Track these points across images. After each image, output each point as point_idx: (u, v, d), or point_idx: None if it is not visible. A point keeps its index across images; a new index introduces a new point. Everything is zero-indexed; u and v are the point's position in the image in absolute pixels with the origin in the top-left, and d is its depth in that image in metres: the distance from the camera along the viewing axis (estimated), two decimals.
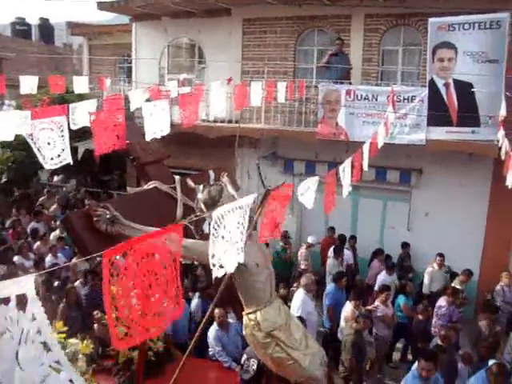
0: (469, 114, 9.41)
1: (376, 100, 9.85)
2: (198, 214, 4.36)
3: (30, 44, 29.96)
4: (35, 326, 2.00)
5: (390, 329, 8.23)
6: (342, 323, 7.86)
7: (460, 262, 9.87)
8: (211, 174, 5.15)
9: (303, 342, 4.33)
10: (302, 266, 10.49)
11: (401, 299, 8.69)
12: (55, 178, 17.14)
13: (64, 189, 16.44)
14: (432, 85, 9.72)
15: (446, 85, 9.62)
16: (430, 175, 10.99)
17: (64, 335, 5.17)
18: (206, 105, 8.29)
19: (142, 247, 2.25)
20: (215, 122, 11.67)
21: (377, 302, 8.17)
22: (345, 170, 5.87)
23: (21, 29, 32.05)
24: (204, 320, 4.33)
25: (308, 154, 11.96)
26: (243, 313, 4.35)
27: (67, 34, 20.16)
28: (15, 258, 9.61)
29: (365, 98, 9.78)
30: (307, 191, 4.76)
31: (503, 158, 7.58)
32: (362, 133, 10.00)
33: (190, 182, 4.58)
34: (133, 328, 2.34)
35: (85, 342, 5.39)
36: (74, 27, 18.67)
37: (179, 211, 4.45)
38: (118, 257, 2.14)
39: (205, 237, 4.28)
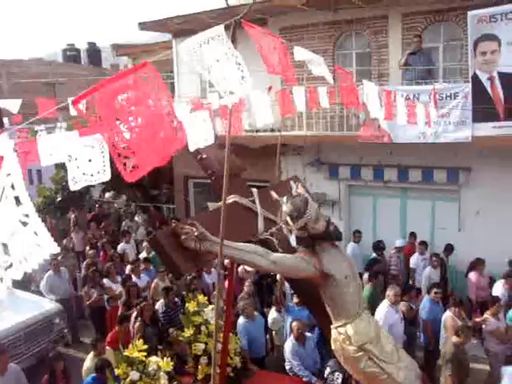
0: None
1: (418, 99, 9.65)
2: (282, 226, 4.31)
3: (79, 68, 31.11)
4: (9, 181, 2.16)
5: (505, 344, 7.55)
6: (443, 332, 7.55)
7: None
8: (293, 184, 5.07)
9: (395, 355, 4.17)
10: (393, 272, 10.32)
11: None
12: (107, 195, 17.64)
13: (115, 205, 16.91)
14: (475, 80, 9.47)
15: (491, 78, 9.35)
16: (478, 173, 10.66)
17: (145, 353, 5.29)
18: (248, 115, 8.37)
19: (111, 88, 2.46)
20: (258, 131, 11.77)
21: (486, 315, 7.63)
22: None
23: (71, 54, 33.32)
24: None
25: (352, 159, 11.88)
26: (332, 326, 4.20)
27: (113, 55, 20.79)
28: (104, 281, 9.76)
29: (406, 98, 9.60)
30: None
31: None
32: (405, 134, 9.85)
33: (274, 195, 4.45)
34: (136, 160, 2.57)
35: (165, 359, 5.50)
36: (119, 48, 19.29)
37: (260, 225, 4.39)
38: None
39: (292, 250, 4.27)
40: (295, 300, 8.01)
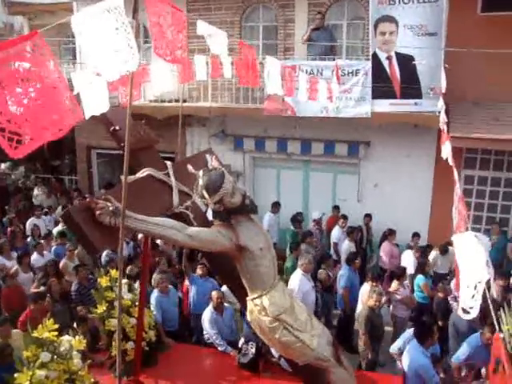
0: (411, 86, 9.65)
1: (321, 75, 9.91)
2: (198, 200, 4.31)
3: None
4: None
5: (409, 309, 8.15)
6: (360, 305, 7.82)
7: (408, 229, 10.23)
8: (208, 158, 5.00)
9: (309, 323, 4.33)
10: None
11: (420, 279, 8.49)
12: (2, 166, 16.63)
13: (13, 176, 16.00)
14: (375, 58, 9.90)
15: (389, 58, 9.81)
16: (377, 147, 11.24)
17: (56, 333, 5.01)
18: (152, 85, 8.18)
19: None
20: (163, 101, 11.57)
21: (395, 285, 8.04)
22: None
23: None
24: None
25: (257, 131, 12.03)
26: (247, 298, 4.28)
27: (5, 12, 19.11)
28: None
29: (310, 73, 9.83)
30: None
31: (441, 128, 7.82)
32: (308, 108, 10.10)
33: (191, 168, 4.38)
34: (24, 134, 2.39)
35: (77, 337, 5.25)
36: (12, 6, 17.77)
37: (175, 198, 4.33)
38: None
39: (207, 224, 4.28)
40: (199, 271, 8.10)
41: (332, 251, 10.50)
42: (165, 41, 3.34)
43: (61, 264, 9.08)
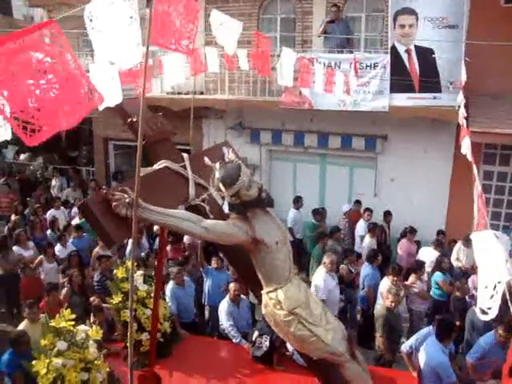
0: (430, 79, 9.51)
1: (339, 68, 9.82)
2: (215, 192, 4.29)
3: None
4: None
5: (426, 303, 8.11)
6: (379, 299, 7.73)
7: (426, 224, 10.13)
8: (225, 150, 4.95)
9: (323, 318, 4.32)
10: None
11: (438, 276, 8.27)
12: (21, 157, 16.78)
13: (31, 167, 16.14)
14: (394, 51, 9.77)
15: (408, 51, 9.69)
16: (394, 141, 11.12)
17: (73, 323, 5.05)
18: (166, 77, 8.16)
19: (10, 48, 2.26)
20: (179, 93, 11.57)
21: (412, 279, 7.98)
22: None
23: None
24: None
25: (274, 124, 11.99)
26: (262, 292, 4.26)
27: (25, 5, 19.29)
28: (13, 249, 9.18)
29: (328, 66, 9.75)
30: None
31: (460, 123, 7.70)
32: (325, 101, 10.03)
33: (207, 160, 4.36)
34: (37, 123, 2.39)
35: (94, 327, 5.31)
36: None
37: (191, 191, 4.27)
38: None
39: (223, 216, 4.25)
40: (214, 264, 8.11)
41: (357, 246, 10.34)
42: (171, 29, 3.28)
43: (93, 253, 9.12)
